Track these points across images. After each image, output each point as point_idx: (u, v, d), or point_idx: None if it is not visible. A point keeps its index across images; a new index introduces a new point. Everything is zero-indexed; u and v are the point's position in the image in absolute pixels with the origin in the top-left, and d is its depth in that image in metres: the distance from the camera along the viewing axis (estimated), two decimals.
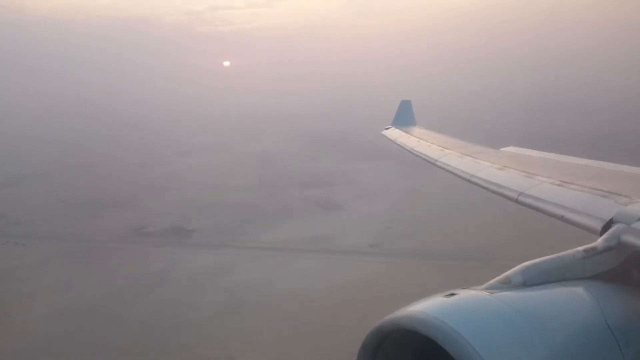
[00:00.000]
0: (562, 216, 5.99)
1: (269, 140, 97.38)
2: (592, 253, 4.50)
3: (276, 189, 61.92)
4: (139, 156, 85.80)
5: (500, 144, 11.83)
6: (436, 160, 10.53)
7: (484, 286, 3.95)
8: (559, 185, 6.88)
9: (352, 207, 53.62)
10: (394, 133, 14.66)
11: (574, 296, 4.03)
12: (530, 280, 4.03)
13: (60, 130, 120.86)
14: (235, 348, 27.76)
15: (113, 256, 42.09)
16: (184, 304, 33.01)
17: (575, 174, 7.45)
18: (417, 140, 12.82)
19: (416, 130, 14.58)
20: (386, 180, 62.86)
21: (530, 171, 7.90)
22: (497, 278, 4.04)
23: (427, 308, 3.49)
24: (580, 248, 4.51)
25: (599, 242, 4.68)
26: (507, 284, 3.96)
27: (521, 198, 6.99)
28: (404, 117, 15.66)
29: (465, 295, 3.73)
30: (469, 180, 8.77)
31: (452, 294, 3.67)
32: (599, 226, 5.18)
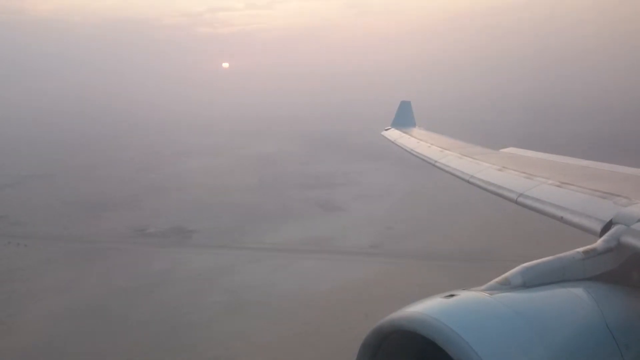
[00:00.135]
0: (562, 217, 6.00)
1: (269, 141, 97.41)
2: (591, 254, 4.50)
3: (277, 190, 61.93)
4: (139, 157, 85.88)
5: (499, 145, 11.82)
6: (436, 161, 10.54)
7: (483, 287, 3.95)
8: (558, 186, 6.88)
9: (352, 208, 53.63)
10: (393, 134, 14.67)
11: (574, 297, 4.03)
12: (530, 282, 4.03)
13: (60, 130, 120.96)
14: (237, 348, 27.78)
15: (114, 256, 42.11)
16: (186, 304, 33.02)
17: (575, 175, 7.46)
18: (417, 141, 12.83)
19: (416, 131, 14.59)
20: (386, 181, 62.86)
21: (529, 172, 7.90)
22: (497, 279, 4.05)
23: (426, 309, 3.50)
24: (580, 249, 4.51)
25: (599, 243, 4.68)
26: (506, 285, 3.96)
27: (521, 199, 7.00)
28: (404, 117, 15.67)
29: (464, 296, 3.73)
30: (468, 181, 8.77)
31: (451, 295, 3.67)
32: (598, 227, 5.18)
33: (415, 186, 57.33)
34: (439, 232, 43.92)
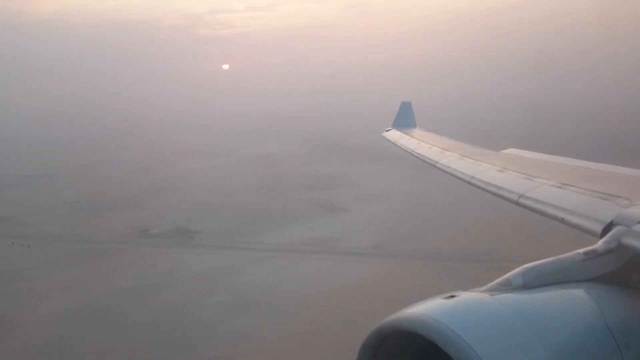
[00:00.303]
0: (562, 218, 6.00)
1: (270, 142, 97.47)
2: (592, 255, 4.50)
3: (278, 190, 62.00)
4: (140, 157, 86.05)
5: (500, 146, 11.83)
6: (436, 162, 10.54)
7: (484, 288, 3.95)
8: (559, 187, 6.89)
9: (353, 209, 53.67)
10: (394, 135, 14.67)
11: (574, 298, 4.04)
12: (531, 283, 4.03)
13: (61, 131, 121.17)
14: (243, 347, 27.90)
15: (118, 257, 42.23)
16: (191, 304, 33.13)
17: (576, 176, 7.46)
18: (418, 142, 12.83)
19: (416, 132, 14.59)
20: (387, 182, 62.88)
21: (530, 173, 7.90)
22: (497, 280, 4.05)
23: (427, 310, 3.50)
24: (581, 250, 4.51)
25: (599, 244, 4.68)
26: (507, 286, 3.96)
27: (521, 200, 7.00)
28: (405, 118, 15.67)
29: (465, 297, 3.73)
30: (469, 182, 8.78)
31: (452, 296, 3.68)
32: (599, 228, 5.18)
33: (416, 187, 57.33)
34: (440, 233, 43.93)
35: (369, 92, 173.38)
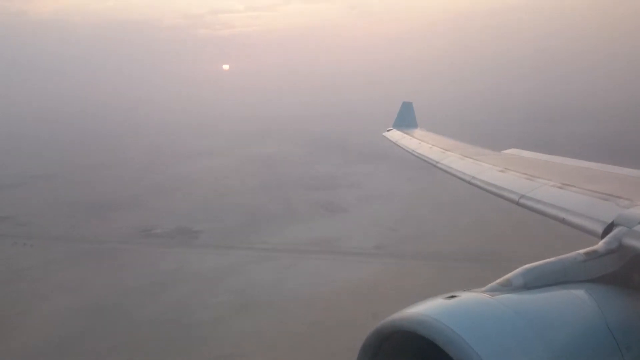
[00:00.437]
0: (563, 219, 6.01)
1: (271, 143, 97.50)
2: (593, 256, 4.51)
3: (279, 191, 61.98)
4: (142, 157, 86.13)
5: (501, 146, 11.82)
6: (437, 162, 10.55)
7: (484, 288, 3.96)
8: (560, 187, 6.89)
9: (355, 209, 53.61)
10: (395, 135, 14.70)
11: (575, 299, 4.04)
12: (531, 283, 4.04)
13: (62, 131, 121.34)
14: (245, 347, 27.92)
15: (121, 257, 42.25)
16: (194, 304, 33.12)
17: (577, 176, 7.47)
18: (419, 142, 12.85)
19: (417, 132, 14.61)
20: (388, 182, 62.80)
21: (531, 174, 7.91)
22: (498, 280, 4.06)
23: (427, 310, 3.51)
24: (582, 251, 4.52)
25: (600, 244, 4.69)
26: (508, 286, 3.97)
27: (522, 200, 7.01)
28: (406, 118, 15.70)
29: (465, 297, 3.74)
30: (470, 183, 8.79)
31: (452, 296, 3.68)
32: (600, 229, 5.18)
33: (417, 187, 57.28)
34: (441, 233, 43.87)
35: (370, 92, 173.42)
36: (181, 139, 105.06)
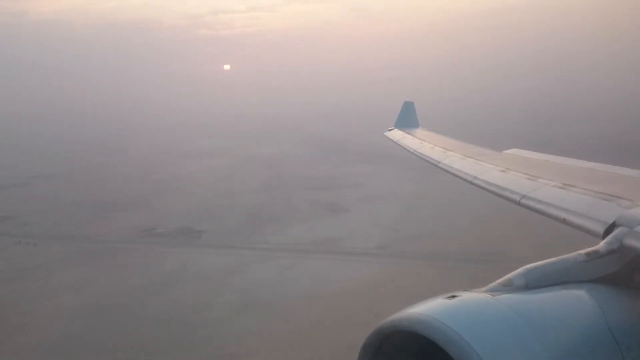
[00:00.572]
0: (564, 219, 6.01)
1: (272, 142, 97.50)
2: (594, 256, 4.51)
3: (281, 191, 62.04)
4: (144, 157, 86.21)
5: (502, 146, 11.81)
6: (439, 162, 10.56)
7: (485, 288, 3.96)
8: (561, 188, 6.89)
9: (357, 209, 53.61)
10: (396, 134, 14.70)
11: (576, 299, 4.04)
12: (532, 283, 4.04)
13: (64, 131, 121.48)
14: (249, 346, 28.03)
15: (124, 256, 42.39)
16: (197, 303, 33.22)
17: (578, 177, 7.46)
18: (420, 142, 12.85)
19: (419, 131, 14.61)
20: (389, 182, 62.75)
21: (532, 174, 7.91)
22: (499, 280, 4.06)
23: (428, 310, 3.52)
24: (583, 251, 4.52)
25: (601, 245, 4.69)
26: (508, 286, 3.97)
27: (524, 201, 7.02)
28: (407, 118, 15.69)
29: (466, 297, 3.74)
30: (471, 183, 8.79)
31: (453, 296, 3.69)
32: (601, 229, 5.18)
33: (418, 187, 57.26)
34: (443, 233, 43.85)
35: (371, 92, 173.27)
36: (182, 139, 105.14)
